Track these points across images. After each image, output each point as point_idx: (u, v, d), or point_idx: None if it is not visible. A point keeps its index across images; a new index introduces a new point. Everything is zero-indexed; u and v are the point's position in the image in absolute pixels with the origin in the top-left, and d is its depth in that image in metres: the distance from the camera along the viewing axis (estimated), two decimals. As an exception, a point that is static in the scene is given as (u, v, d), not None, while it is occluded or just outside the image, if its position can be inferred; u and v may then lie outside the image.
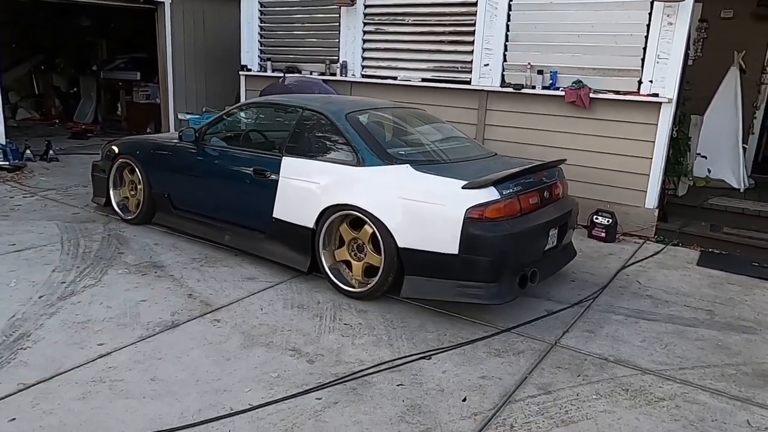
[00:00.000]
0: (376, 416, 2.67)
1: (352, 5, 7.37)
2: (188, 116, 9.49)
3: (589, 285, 4.51)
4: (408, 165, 3.85)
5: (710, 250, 5.66)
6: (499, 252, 3.48)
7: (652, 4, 5.64)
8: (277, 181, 4.22)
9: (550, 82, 6.26)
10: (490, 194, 3.51)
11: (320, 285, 4.15)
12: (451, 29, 6.84)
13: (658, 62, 5.70)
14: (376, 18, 7.39)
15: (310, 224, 4.06)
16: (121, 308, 3.62)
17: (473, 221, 3.45)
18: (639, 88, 5.85)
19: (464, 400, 2.84)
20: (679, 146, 6.19)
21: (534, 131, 6.43)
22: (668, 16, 5.57)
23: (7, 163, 7.16)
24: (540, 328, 3.69)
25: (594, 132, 6.10)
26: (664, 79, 5.70)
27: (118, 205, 5.48)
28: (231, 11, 9.89)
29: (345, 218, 3.95)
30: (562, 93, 6.15)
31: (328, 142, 4.19)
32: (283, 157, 4.25)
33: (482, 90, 6.70)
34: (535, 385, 3.02)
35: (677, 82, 5.67)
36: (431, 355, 3.27)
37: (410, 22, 7.13)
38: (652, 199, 5.91)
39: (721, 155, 7.00)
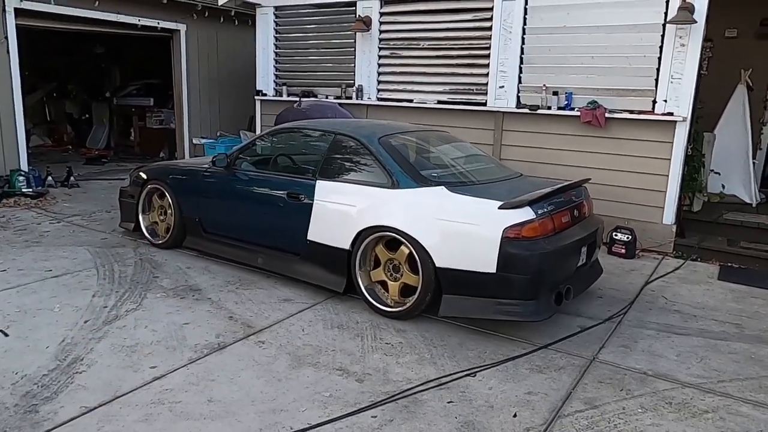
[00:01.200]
0: (431, 432, 2.73)
1: (368, 31, 7.55)
2: (203, 141, 9.68)
3: (616, 301, 4.59)
4: (442, 187, 3.96)
5: (729, 264, 5.76)
6: (537, 270, 3.58)
7: (664, 26, 5.82)
8: (311, 204, 4.33)
9: (566, 102, 6.42)
10: (526, 214, 3.62)
11: (356, 305, 4.23)
12: (465, 53, 7.02)
13: (671, 82, 5.86)
14: (391, 43, 7.57)
15: (346, 246, 4.16)
16: (166, 331, 3.70)
17: (510, 240, 3.56)
18: (653, 108, 6.00)
19: (515, 416, 2.91)
20: (694, 163, 6.33)
21: (550, 151, 6.57)
22: (680, 38, 5.75)
23: (31, 189, 7.27)
24: (576, 344, 3.77)
25: (610, 150, 6.23)
26: (678, 98, 5.85)
27: (147, 230, 5.57)
28: (243, 36, 10.13)
29: (381, 239, 4.05)
30: (578, 113, 6.30)
31: (361, 166, 4.30)
32: (317, 181, 4.36)
33: (498, 111, 6.85)
34: (580, 400, 3.09)
35: (691, 101, 5.82)
36: (475, 372, 3.34)
37: (425, 46, 7.31)
38: (669, 215, 6.02)
39: (733, 171, 7.15)
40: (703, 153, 6.47)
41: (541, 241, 3.63)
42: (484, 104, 6.96)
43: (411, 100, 7.47)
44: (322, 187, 4.32)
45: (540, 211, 3.68)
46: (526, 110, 6.64)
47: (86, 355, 3.34)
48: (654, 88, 5.98)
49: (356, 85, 7.87)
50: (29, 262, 4.93)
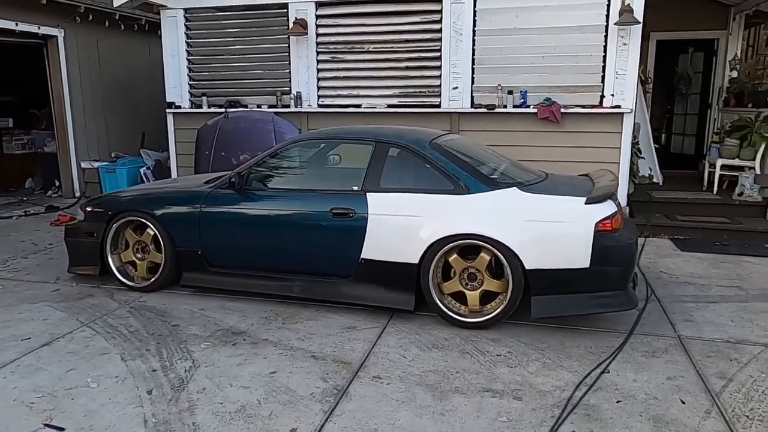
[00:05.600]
0: (637, 436, 2.67)
1: (305, 34, 7.14)
2: (97, 164, 8.38)
3: (635, 281, 4.91)
4: (514, 188, 3.89)
5: (676, 237, 6.51)
6: (629, 260, 3.69)
7: (606, 27, 6.39)
8: (365, 219, 3.96)
9: (521, 101, 6.71)
10: (611, 207, 3.70)
11: (426, 322, 3.97)
12: (416, 55, 6.98)
13: (617, 78, 6.44)
14: (331, 46, 7.24)
15: (414, 260, 3.87)
16: (260, 385, 3.11)
17: (602, 234, 3.61)
18: (602, 102, 6.55)
19: (683, 402, 2.96)
20: (634, 150, 7.02)
21: (508, 148, 6.72)
22: (622, 37, 6.35)
23: None
24: (651, 326, 3.95)
25: (566, 144, 6.66)
26: (623, 92, 6.45)
27: (119, 272, 4.64)
28: (129, 43, 8.97)
29: (455, 248, 3.84)
30: (534, 110, 6.63)
31: (416, 173, 4.04)
32: (368, 194, 4.00)
33: (453, 112, 6.93)
34: (714, 375, 3.24)
35: (634, 94, 6.47)
36: (606, 368, 3.33)
37: (370, 49, 7.12)
38: (623, 199, 6.61)
39: (645, 155, 8.08)
40: (637, 140, 7.21)
41: (624, 232, 3.75)
42: (438, 106, 6.99)
43: (359, 105, 7.22)
44: (375, 199, 3.97)
45: (617, 203, 3.80)
46: (482, 110, 6.81)
47: (194, 433, 2.67)
48: (601, 84, 6.52)
49: (293, 92, 7.40)
50: (-15, 333, 3.81)
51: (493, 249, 3.72)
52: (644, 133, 8.26)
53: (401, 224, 3.91)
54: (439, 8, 6.79)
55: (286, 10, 7.25)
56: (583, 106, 6.57)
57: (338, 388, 3.08)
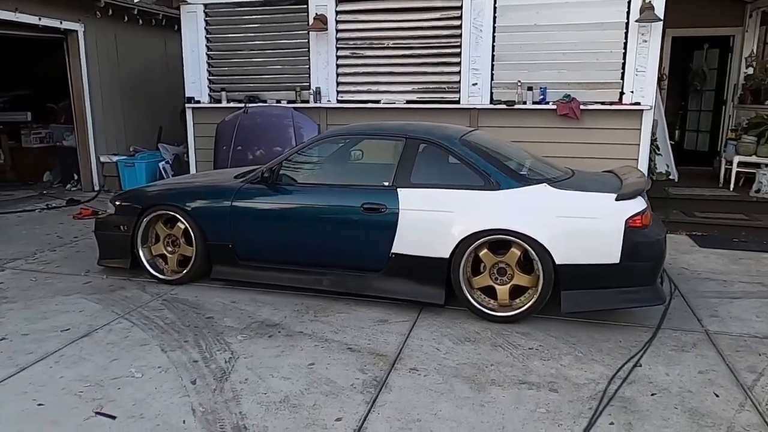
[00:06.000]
0: (675, 430, 2.72)
1: (326, 30, 7.18)
2: (116, 158, 8.45)
3: (658, 277, 4.96)
4: (545, 184, 3.94)
5: (694, 233, 6.55)
6: (659, 255, 3.75)
7: (627, 24, 6.41)
8: (396, 214, 4.01)
9: (541, 97, 6.75)
10: (641, 204, 3.75)
11: (456, 315, 4.03)
12: (435, 51, 7.02)
13: (636, 75, 6.47)
14: (351, 42, 7.29)
15: (445, 254, 3.93)
16: (300, 376, 3.18)
17: (633, 230, 3.66)
18: (621, 99, 6.58)
19: (717, 395, 3.02)
20: (652, 146, 7.05)
21: (527, 144, 6.77)
22: (642, 34, 6.37)
23: (-69, 233, 5.71)
24: (677, 321, 4.00)
25: (584, 140, 6.70)
26: (643, 89, 6.49)
27: (149, 265, 4.71)
28: (144, 37, 9.02)
29: (486, 244, 3.90)
30: (554, 107, 6.67)
31: (447, 169, 4.10)
32: (398, 189, 4.06)
33: (472, 108, 6.98)
34: (744, 369, 3.30)
35: (654, 91, 6.49)
36: (637, 361, 3.39)
37: (390, 45, 7.16)
38: (642, 195, 6.65)
39: (662, 152, 8.11)
40: (655, 137, 7.24)
41: (653, 228, 3.80)
42: (457, 102, 7.03)
43: (378, 101, 7.27)
44: (406, 195, 4.03)
45: (646, 200, 3.85)
46: (502, 106, 6.85)
47: (241, 422, 2.74)
48: (621, 81, 6.55)
49: (313, 87, 7.45)
50: (24, 324, 3.89)
51: (524, 244, 3.77)
52: (660, 129, 8.28)
53: (432, 219, 3.97)
54: (460, 4, 6.82)
55: (305, 6, 7.29)
56: (603, 103, 6.60)
57: (377, 380, 3.15)
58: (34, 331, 3.76)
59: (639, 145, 6.58)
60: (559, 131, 6.74)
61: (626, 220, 3.66)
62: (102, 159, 8.59)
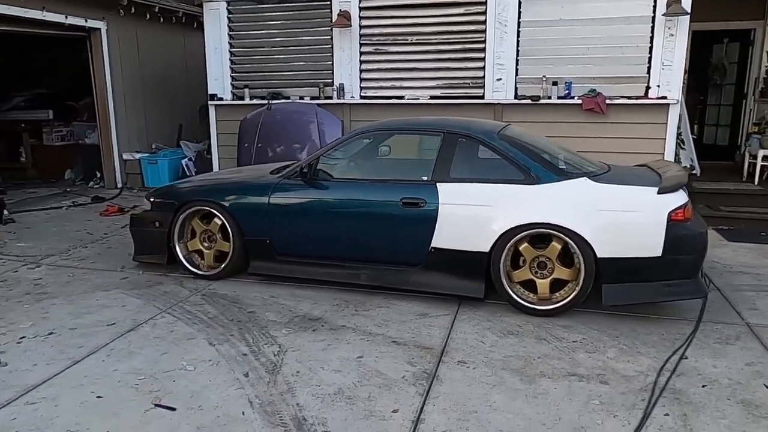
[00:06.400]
0: (731, 421, 2.73)
1: (350, 26, 7.19)
2: (138, 155, 8.50)
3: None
4: (585, 178, 3.95)
5: (720, 227, 6.53)
6: (700, 249, 3.75)
7: (653, 18, 6.40)
8: (435, 209, 4.03)
9: (566, 92, 6.75)
10: (682, 197, 3.76)
11: (495, 309, 4.05)
12: (460, 47, 7.03)
13: (663, 69, 6.46)
14: (375, 38, 7.30)
15: (485, 248, 3.95)
16: (351, 368, 3.21)
17: (675, 223, 3.67)
18: (647, 93, 6.57)
19: (766, 386, 3.03)
20: (678, 140, 7.04)
21: (552, 138, 6.84)
22: (669, 28, 6.36)
23: (-35, 230, 5.77)
24: (716, 314, 4.01)
25: (610, 134, 6.70)
26: (669, 83, 6.48)
27: (186, 260, 4.75)
28: (164, 34, 9.06)
29: (526, 237, 3.92)
30: (579, 101, 6.67)
31: (487, 164, 4.12)
32: (438, 184, 4.08)
33: (497, 104, 6.98)
34: (792, 361, 3.32)
35: (680, 85, 6.48)
36: (683, 354, 3.41)
37: (414, 41, 7.17)
38: (668, 190, 6.64)
39: (686, 146, 8.09)
40: (681, 131, 7.23)
41: (695, 221, 3.81)
42: (482, 97, 7.04)
43: (402, 97, 7.29)
44: (447, 190, 4.05)
45: (688, 193, 3.86)
46: (527, 101, 6.86)
47: (299, 413, 2.77)
48: (647, 75, 6.54)
49: (336, 83, 7.47)
50: (69, 318, 3.94)
51: (566, 238, 3.79)
52: (683, 123, 8.23)
53: (472, 214, 3.98)
54: (484, 0, 6.82)
55: (329, 2, 7.31)
56: (628, 97, 6.60)
57: (427, 372, 3.18)
58: (81, 326, 3.81)
59: (665, 139, 6.58)
60: (584, 126, 6.74)
61: (669, 214, 3.67)
62: (125, 156, 8.64)
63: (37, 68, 10.07)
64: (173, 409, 2.82)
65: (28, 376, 3.14)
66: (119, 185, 8.69)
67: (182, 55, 9.76)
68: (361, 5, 7.22)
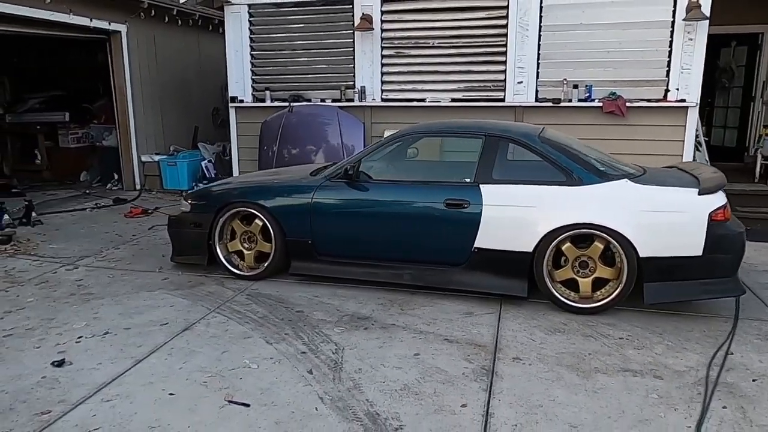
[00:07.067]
0: (787, 411, 2.85)
1: (372, 30, 7.29)
2: (157, 157, 8.55)
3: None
4: (626, 179, 4.07)
5: (738, 227, 6.67)
6: (739, 248, 3.88)
7: (673, 23, 6.54)
8: (479, 210, 4.13)
9: (587, 95, 6.88)
10: (722, 198, 3.88)
11: (537, 307, 4.15)
12: (481, 50, 7.14)
13: (682, 72, 6.61)
14: (396, 42, 7.40)
15: (529, 248, 4.05)
16: (411, 365, 3.30)
17: (716, 223, 3.79)
18: (666, 96, 6.71)
19: (815, 380, 3.15)
20: (695, 143, 7.18)
21: (572, 141, 6.98)
22: (688, 33, 6.50)
23: (-2, 232, 5.81)
24: (751, 311, 4.13)
25: (629, 137, 6.83)
26: (688, 86, 6.62)
27: (226, 261, 4.82)
28: (180, 37, 9.13)
29: (568, 238, 4.02)
30: (600, 104, 6.80)
31: (530, 166, 4.23)
32: (481, 185, 4.18)
33: (518, 106, 7.10)
34: (833, 356, 3.44)
35: (699, 88, 6.62)
36: (728, 349, 3.52)
37: (435, 44, 7.27)
38: (686, 191, 6.78)
39: (702, 147, 8.24)
40: (698, 132, 7.37)
41: (733, 221, 3.93)
42: (502, 100, 7.16)
43: (423, 99, 7.39)
44: (489, 191, 4.15)
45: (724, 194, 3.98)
46: (548, 104, 6.98)
47: (371, 408, 2.85)
48: (666, 78, 6.69)
49: (358, 86, 7.56)
50: (121, 318, 4.00)
51: (609, 238, 3.90)
52: (698, 125, 8.40)
53: (516, 215, 4.09)
54: (506, 4, 6.94)
55: (351, 6, 7.40)
56: (648, 100, 6.74)
57: (485, 369, 3.27)
58: (134, 325, 3.87)
59: (683, 141, 6.73)
60: (604, 128, 6.86)
61: (709, 214, 3.78)
62: (143, 158, 8.68)
63: (51, 71, 10.08)
64: (247, 405, 2.89)
65: (95, 374, 3.21)
66: (138, 187, 8.72)
67: (197, 58, 9.82)
68: (383, 9, 7.32)
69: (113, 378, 3.16)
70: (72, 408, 2.87)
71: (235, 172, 8.13)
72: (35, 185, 9.12)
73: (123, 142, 8.54)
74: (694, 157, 7.35)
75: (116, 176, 8.96)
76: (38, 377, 3.18)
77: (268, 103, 7.87)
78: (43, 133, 9.61)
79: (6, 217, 6.27)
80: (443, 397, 2.97)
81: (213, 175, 8.51)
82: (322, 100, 7.73)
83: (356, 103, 7.56)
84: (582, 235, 4.00)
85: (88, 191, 8.71)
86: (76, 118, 9.56)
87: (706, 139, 8.85)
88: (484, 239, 4.16)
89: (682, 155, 6.73)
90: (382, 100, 7.53)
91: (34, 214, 6.57)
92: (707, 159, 8.31)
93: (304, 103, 7.72)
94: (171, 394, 3.01)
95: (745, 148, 9.51)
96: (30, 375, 3.21)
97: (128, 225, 6.78)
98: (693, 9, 6.30)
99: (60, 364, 3.31)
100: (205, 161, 8.59)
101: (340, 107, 7.56)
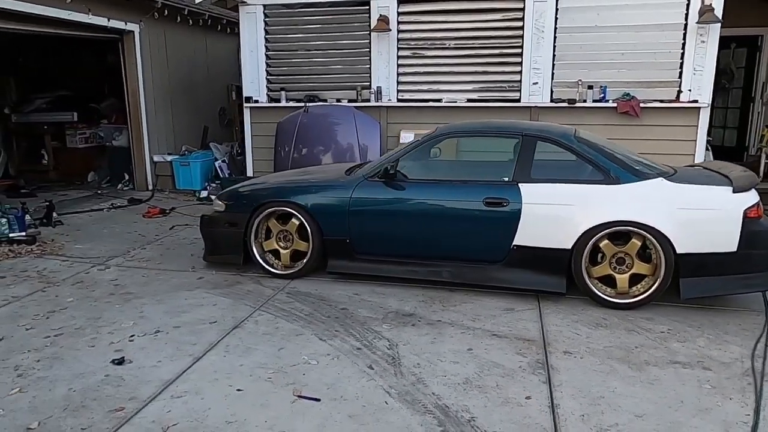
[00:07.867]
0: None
1: (389, 31, 7.36)
2: (170, 157, 8.54)
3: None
4: (661, 178, 4.19)
5: (747, 225, 6.86)
6: (773, 243, 4.02)
7: (685, 26, 6.70)
8: (518, 208, 4.23)
9: (601, 95, 7.02)
10: (755, 196, 4.03)
11: (575, 303, 4.26)
12: (497, 51, 7.25)
13: (694, 74, 6.78)
14: (412, 42, 7.48)
15: (567, 246, 4.16)
16: (467, 360, 3.38)
17: (750, 220, 3.93)
18: (678, 97, 6.88)
19: None
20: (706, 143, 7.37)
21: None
22: (701, 35, 6.68)
23: (24, 234, 5.77)
24: (780, 305, 4.30)
25: (643, 137, 6.98)
26: (700, 87, 6.80)
27: (262, 260, 4.86)
28: (189, 38, 9.13)
29: (607, 235, 4.13)
30: (614, 105, 6.95)
31: (567, 165, 4.33)
32: (519, 184, 4.28)
33: (533, 106, 7.22)
34: None
35: (711, 89, 6.80)
36: (767, 341, 3.66)
37: (451, 45, 7.37)
38: (698, 189, 6.96)
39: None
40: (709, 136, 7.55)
41: (765, 218, 4.07)
42: (518, 100, 7.27)
43: (439, 100, 7.48)
44: (528, 190, 4.25)
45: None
46: (563, 104, 7.11)
47: (440, 401, 2.93)
48: (678, 80, 6.85)
49: (374, 87, 7.63)
50: (168, 317, 4.03)
51: (647, 235, 4.02)
52: (700, 126, 8.60)
53: (554, 213, 4.19)
54: (522, 6, 7.06)
55: (367, 7, 7.47)
56: (661, 101, 6.90)
57: (540, 363, 3.37)
58: (184, 324, 3.91)
59: (695, 141, 6.90)
60: (618, 128, 7.01)
61: (744, 211, 3.92)
62: (155, 159, 8.66)
63: (54, 71, 10.00)
64: (317, 399, 2.95)
65: (158, 371, 3.25)
66: (150, 187, 8.70)
67: (204, 59, 9.82)
68: (400, 10, 7.40)
69: (177, 375, 3.20)
70: (145, 404, 2.91)
71: (249, 172, 8.15)
72: (42, 186, 9.05)
73: (135, 142, 8.51)
74: (704, 157, 7.53)
75: (126, 176, 8.92)
76: (102, 375, 3.21)
77: (283, 104, 7.90)
78: (50, 133, 9.53)
79: (27, 217, 6.22)
80: (506, 390, 3.05)
81: (227, 175, 8.51)
82: (338, 101, 7.79)
83: (372, 103, 7.63)
84: (619, 232, 4.11)
85: (99, 192, 8.67)
86: (84, 118, 9.49)
87: (710, 138, 9.06)
88: (522, 237, 4.26)
89: (694, 155, 6.90)
90: (398, 100, 7.61)
91: (54, 214, 6.54)
92: (711, 158, 8.52)
93: (320, 104, 7.77)
94: (239, 389, 3.06)
95: (746, 148, 9.75)
96: (93, 373, 3.23)
97: (148, 225, 6.78)
98: (706, 12, 6.47)
99: (120, 362, 3.34)
100: (219, 161, 8.60)
101: (356, 107, 7.62)
